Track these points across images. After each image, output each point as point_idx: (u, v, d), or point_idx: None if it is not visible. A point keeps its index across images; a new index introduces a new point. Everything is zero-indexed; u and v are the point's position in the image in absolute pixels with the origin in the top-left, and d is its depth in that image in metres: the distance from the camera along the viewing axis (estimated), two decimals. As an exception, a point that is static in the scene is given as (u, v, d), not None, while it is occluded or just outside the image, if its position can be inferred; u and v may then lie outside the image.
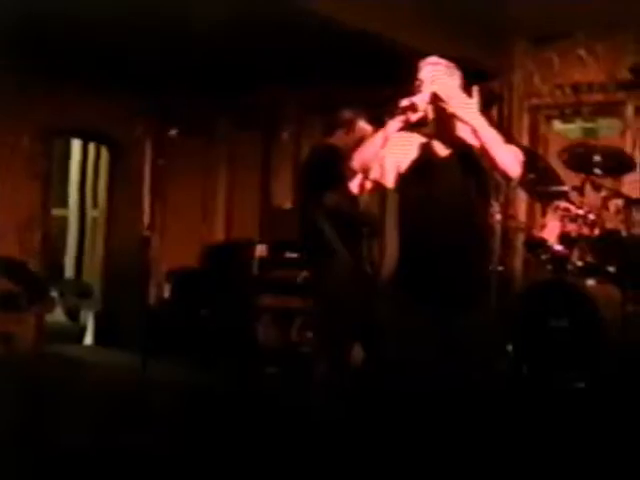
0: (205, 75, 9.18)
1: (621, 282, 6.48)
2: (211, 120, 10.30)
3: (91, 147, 10.78)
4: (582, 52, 8.34)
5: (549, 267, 6.82)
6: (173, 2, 6.85)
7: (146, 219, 8.96)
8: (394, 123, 4.38)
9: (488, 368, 4.81)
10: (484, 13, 7.72)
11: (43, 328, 9.14)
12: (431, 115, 4.38)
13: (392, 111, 4.45)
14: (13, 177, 8.98)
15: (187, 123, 9.48)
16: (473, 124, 4.25)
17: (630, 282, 6.42)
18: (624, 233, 6.68)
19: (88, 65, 8.78)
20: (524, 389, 6.22)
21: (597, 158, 6.73)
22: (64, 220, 10.95)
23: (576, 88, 8.32)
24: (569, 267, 6.66)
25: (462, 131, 4.39)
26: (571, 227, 6.70)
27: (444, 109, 4.26)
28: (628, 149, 7.89)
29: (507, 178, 4.39)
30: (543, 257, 6.83)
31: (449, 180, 4.44)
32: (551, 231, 6.77)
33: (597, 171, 6.79)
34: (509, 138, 4.60)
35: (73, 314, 10.43)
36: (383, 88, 9.02)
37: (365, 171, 4.53)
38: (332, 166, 5.98)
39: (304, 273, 7.52)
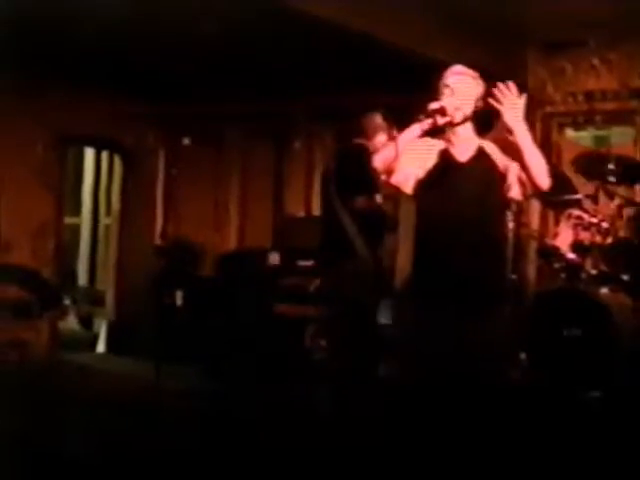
0: (217, 84, 9.19)
1: (634, 290, 6.47)
2: (223, 129, 10.31)
3: (104, 156, 10.82)
4: (595, 60, 8.34)
5: (562, 275, 6.81)
6: (186, 12, 6.86)
7: (159, 227, 8.99)
8: (419, 125, 4.41)
9: (501, 374, 4.83)
10: (497, 20, 7.71)
11: (56, 336, 9.17)
12: (457, 121, 4.42)
13: (408, 117, 4.50)
14: (26, 185, 9.00)
15: (200, 132, 9.53)
16: (515, 127, 4.28)
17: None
18: (637, 241, 6.67)
19: (101, 74, 8.79)
20: (538, 398, 6.19)
21: (611, 166, 6.72)
22: (77, 228, 11.00)
23: (589, 96, 8.32)
24: (582, 275, 6.65)
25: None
26: (584, 235, 6.69)
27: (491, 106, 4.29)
28: (640, 157, 7.90)
29: (537, 188, 4.41)
30: (556, 265, 6.82)
31: (468, 187, 4.46)
32: (564, 239, 6.75)
33: (611, 179, 6.78)
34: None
35: (86, 322, 10.46)
36: (396, 95, 9.08)
37: (388, 173, 4.55)
38: (363, 167, 5.97)
39: (317, 281, 7.53)
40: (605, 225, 6.67)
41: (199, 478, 5.00)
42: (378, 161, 4.56)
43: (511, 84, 4.37)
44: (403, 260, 9.40)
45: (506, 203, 4.71)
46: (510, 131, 4.28)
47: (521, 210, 8.12)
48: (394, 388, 5.71)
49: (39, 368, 8.21)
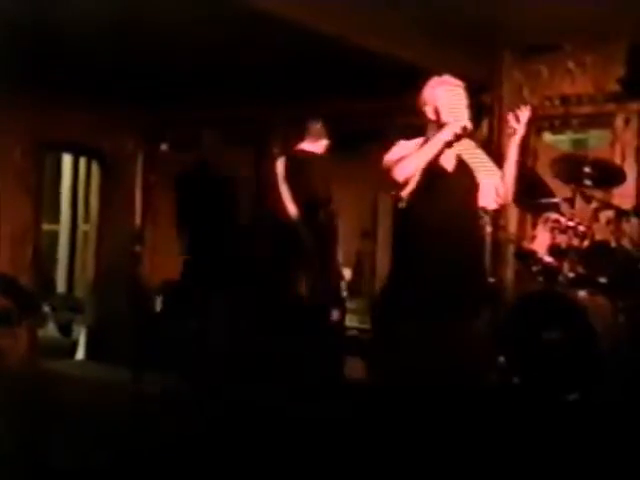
0: (196, 89, 9.19)
1: (612, 293, 6.50)
2: (202, 135, 10.30)
3: (82, 162, 10.78)
4: (571, 64, 8.37)
5: (540, 278, 6.84)
6: (164, 19, 6.86)
7: (137, 233, 8.95)
8: (441, 137, 4.43)
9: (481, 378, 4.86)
10: (473, 24, 7.74)
11: (35, 343, 9.12)
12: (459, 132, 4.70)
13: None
14: (4, 191, 8.97)
15: (178, 138, 9.51)
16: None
17: (621, 293, 6.45)
18: (614, 244, 6.72)
19: (79, 80, 8.77)
20: (517, 401, 6.22)
21: (587, 170, 6.76)
22: (55, 235, 10.95)
23: (565, 100, 8.35)
24: (560, 278, 6.68)
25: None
26: (561, 238, 6.73)
27: None
28: (618, 160, 7.93)
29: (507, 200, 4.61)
30: (534, 268, 6.86)
31: (456, 195, 4.55)
32: (541, 243, 6.79)
33: (587, 182, 6.81)
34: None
35: (65, 329, 10.41)
36: (374, 100, 9.12)
37: (405, 184, 4.61)
38: (311, 175, 6.20)
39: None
40: (582, 228, 6.70)
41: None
42: (400, 175, 4.61)
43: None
44: (383, 266, 9.47)
45: (481, 210, 4.82)
46: None
47: (499, 214, 8.18)
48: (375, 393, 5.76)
49: (18, 376, 8.17)
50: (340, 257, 8.66)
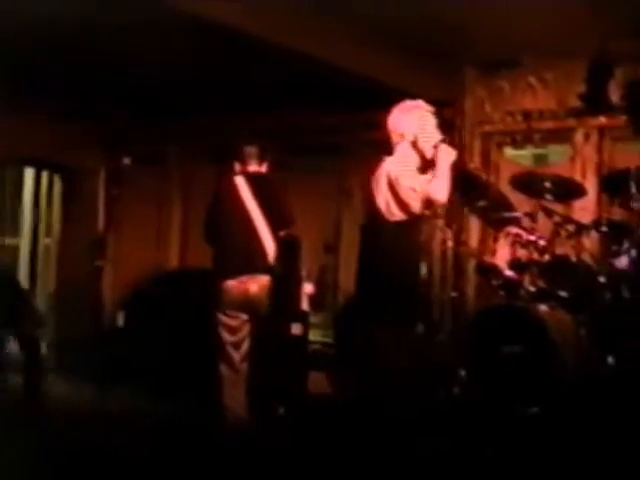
0: (158, 104, 9.18)
1: (572, 307, 6.54)
2: (165, 148, 10.30)
3: (44, 176, 10.72)
4: (532, 79, 8.44)
5: (501, 292, 6.87)
6: (123, 32, 6.86)
7: (99, 248, 8.92)
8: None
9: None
10: (435, 41, 7.79)
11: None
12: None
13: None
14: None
15: (141, 151, 9.49)
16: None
17: (581, 307, 6.49)
18: (574, 258, 6.76)
19: (40, 94, 8.74)
20: (477, 414, 6.23)
21: (547, 184, 6.80)
22: (16, 249, 10.87)
23: (527, 115, 8.42)
24: (521, 292, 6.71)
25: None
26: (522, 253, 6.76)
27: None
28: (578, 175, 8.00)
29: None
30: (495, 282, 6.88)
31: None
32: (502, 257, 6.82)
33: (548, 197, 6.86)
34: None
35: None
36: (335, 115, 9.15)
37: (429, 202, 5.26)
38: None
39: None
40: (543, 242, 6.74)
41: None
42: (442, 196, 5.22)
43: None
44: (345, 278, 9.49)
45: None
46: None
47: (460, 228, 8.21)
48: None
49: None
50: (303, 271, 8.68)
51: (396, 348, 4.79)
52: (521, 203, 7.19)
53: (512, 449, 5.55)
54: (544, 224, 6.94)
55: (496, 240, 7.05)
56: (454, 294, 6.80)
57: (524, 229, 6.85)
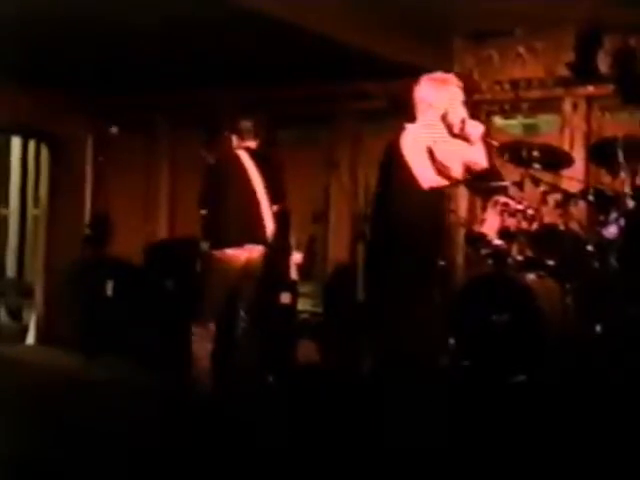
0: (144, 73, 9.13)
1: (560, 275, 6.57)
2: (153, 118, 10.26)
3: (31, 145, 10.69)
4: (521, 49, 8.43)
5: (489, 261, 6.89)
6: (108, 3, 6.82)
7: (88, 217, 8.93)
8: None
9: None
10: (423, 10, 7.76)
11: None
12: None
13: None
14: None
15: (129, 121, 9.46)
16: None
17: (569, 275, 6.52)
18: (562, 227, 6.78)
19: (27, 63, 8.68)
20: (466, 382, 6.27)
21: (535, 153, 6.81)
22: (5, 220, 10.86)
23: (515, 84, 8.41)
24: (509, 261, 6.73)
25: None
26: (510, 222, 6.78)
27: None
28: (567, 144, 8.01)
29: None
30: (483, 252, 6.90)
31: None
32: (491, 226, 6.83)
33: (536, 166, 6.87)
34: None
35: (15, 314, 10.34)
36: (324, 85, 9.13)
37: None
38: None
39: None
40: (531, 211, 6.76)
41: (134, 471, 4.97)
42: (482, 160, 5.36)
43: None
44: (333, 248, 9.52)
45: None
46: None
47: (449, 197, 8.22)
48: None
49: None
50: (292, 241, 8.69)
51: (418, 313, 4.92)
52: (509, 172, 7.20)
53: (499, 417, 5.58)
54: (532, 193, 6.95)
55: (484, 209, 7.07)
56: (443, 263, 6.81)
57: (512, 198, 6.86)
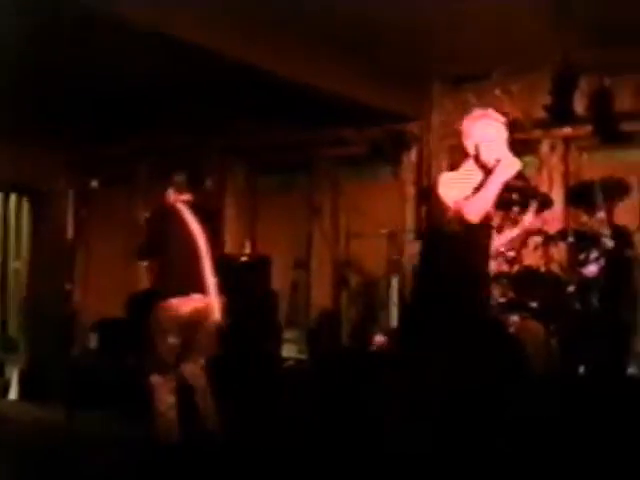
0: (124, 125, 9.17)
1: (543, 317, 6.57)
2: (133, 169, 10.28)
3: (12, 199, 10.68)
4: (498, 92, 8.47)
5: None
6: (94, 55, 6.87)
7: (69, 271, 8.89)
8: (500, 179, 4.68)
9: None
10: (401, 56, 7.83)
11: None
12: None
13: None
14: None
15: (110, 173, 9.47)
16: None
17: (551, 316, 6.53)
18: (543, 269, 6.80)
19: (7, 117, 8.71)
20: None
21: (514, 196, 6.83)
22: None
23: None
24: (492, 303, 6.73)
25: None
26: (491, 264, 6.78)
27: None
28: (545, 185, 8.05)
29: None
30: (466, 294, 6.89)
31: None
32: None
33: (515, 209, 6.89)
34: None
35: (-2, 369, 10.27)
36: (304, 132, 9.18)
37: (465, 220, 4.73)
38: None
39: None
40: (511, 254, 6.77)
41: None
42: (474, 216, 4.66)
43: None
44: (316, 294, 9.51)
45: None
46: None
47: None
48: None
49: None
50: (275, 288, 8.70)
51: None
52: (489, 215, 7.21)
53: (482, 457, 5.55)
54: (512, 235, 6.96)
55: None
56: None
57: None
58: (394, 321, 8.38)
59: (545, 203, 7.17)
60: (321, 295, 9.49)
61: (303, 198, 9.68)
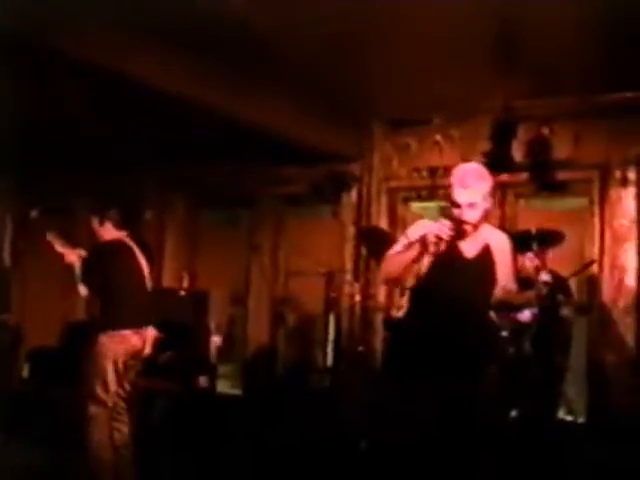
0: (66, 156, 9.14)
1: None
2: (73, 201, 10.22)
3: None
4: (438, 137, 8.60)
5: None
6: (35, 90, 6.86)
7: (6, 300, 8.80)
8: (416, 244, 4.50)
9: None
10: (343, 97, 7.92)
11: None
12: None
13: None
14: None
15: (50, 204, 9.41)
16: None
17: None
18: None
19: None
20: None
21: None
22: None
23: (433, 171, 8.56)
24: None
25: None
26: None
27: None
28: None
29: None
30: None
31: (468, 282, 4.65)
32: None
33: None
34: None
35: None
36: (246, 168, 9.23)
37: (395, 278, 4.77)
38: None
39: (168, 353, 7.51)
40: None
41: None
42: (385, 273, 4.77)
43: None
44: (254, 332, 9.52)
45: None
46: None
47: (368, 283, 8.30)
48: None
49: None
50: (211, 324, 8.69)
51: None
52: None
53: None
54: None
55: (402, 295, 7.13)
56: (361, 348, 6.86)
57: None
58: (329, 359, 8.42)
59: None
60: (258, 331, 9.50)
61: (244, 234, 9.72)
